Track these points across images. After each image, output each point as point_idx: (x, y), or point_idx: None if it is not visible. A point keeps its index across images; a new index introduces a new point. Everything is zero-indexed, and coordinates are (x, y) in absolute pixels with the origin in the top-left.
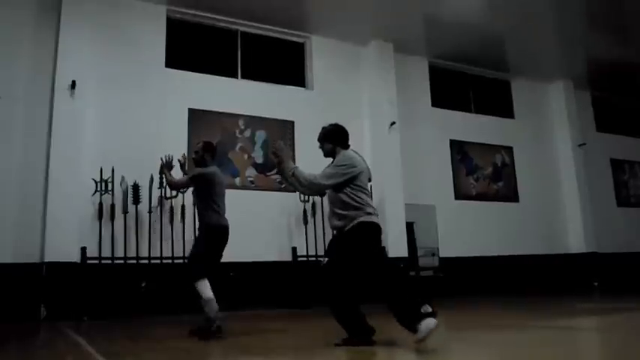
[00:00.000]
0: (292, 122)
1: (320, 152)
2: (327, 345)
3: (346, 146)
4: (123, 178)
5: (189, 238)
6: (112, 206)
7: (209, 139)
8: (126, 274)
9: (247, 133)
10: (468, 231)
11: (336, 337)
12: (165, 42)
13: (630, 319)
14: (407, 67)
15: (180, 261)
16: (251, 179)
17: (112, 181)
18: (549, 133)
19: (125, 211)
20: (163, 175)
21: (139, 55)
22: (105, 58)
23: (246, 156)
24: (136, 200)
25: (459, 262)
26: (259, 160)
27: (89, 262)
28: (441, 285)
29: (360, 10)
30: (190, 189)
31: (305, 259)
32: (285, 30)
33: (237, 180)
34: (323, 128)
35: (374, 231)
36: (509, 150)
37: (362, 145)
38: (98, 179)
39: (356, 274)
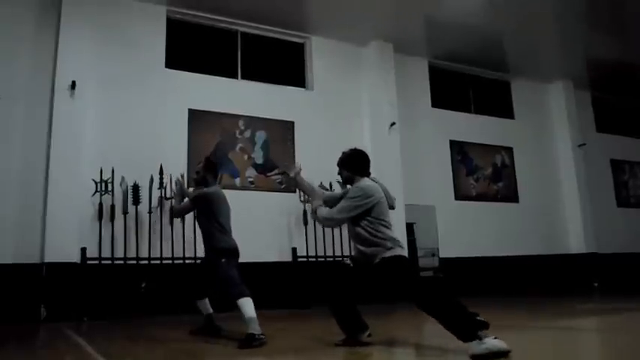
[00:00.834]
0: (292, 122)
1: (320, 152)
2: (328, 345)
3: (365, 174)
4: (123, 178)
5: (189, 238)
6: (112, 207)
7: (209, 139)
8: (126, 275)
9: (247, 134)
10: (468, 231)
11: (336, 337)
12: (165, 42)
13: (630, 320)
14: (407, 68)
15: (180, 261)
16: (251, 180)
17: (112, 182)
18: (549, 133)
19: (125, 212)
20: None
21: (139, 55)
22: (105, 59)
23: (246, 156)
24: (136, 201)
25: (459, 263)
26: (259, 160)
27: (89, 262)
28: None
29: (360, 11)
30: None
31: (305, 259)
32: (285, 30)
33: (237, 180)
34: (342, 153)
35: (400, 264)
36: (509, 150)
37: (362, 146)
38: (98, 180)
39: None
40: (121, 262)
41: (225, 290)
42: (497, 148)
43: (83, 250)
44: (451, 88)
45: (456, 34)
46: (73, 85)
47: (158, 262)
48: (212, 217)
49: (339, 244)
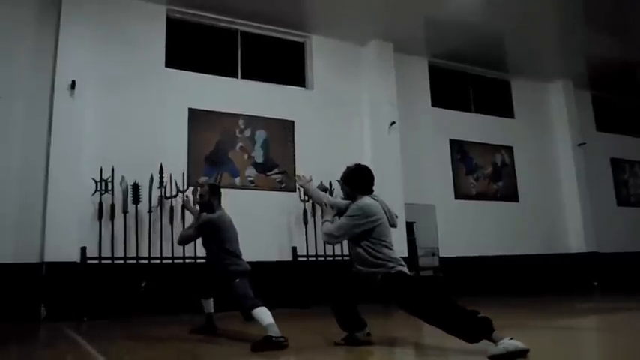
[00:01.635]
0: (292, 122)
1: (320, 151)
2: (328, 344)
3: (367, 191)
4: (123, 177)
5: None
6: (112, 206)
7: (209, 139)
8: (126, 274)
9: (247, 133)
10: (468, 231)
11: (336, 337)
12: (165, 42)
13: (630, 319)
14: (407, 67)
15: (180, 261)
16: (251, 179)
17: (112, 181)
18: (549, 132)
19: (125, 211)
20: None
21: (139, 54)
22: (105, 58)
23: (246, 156)
24: (136, 200)
25: (459, 262)
26: (259, 159)
27: (89, 262)
28: (441, 285)
29: (360, 10)
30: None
31: (305, 259)
32: (285, 30)
33: (237, 180)
34: (347, 168)
35: (401, 280)
36: (509, 150)
37: (362, 145)
38: (98, 179)
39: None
40: (121, 261)
41: (240, 305)
42: (497, 148)
43: (83, 249)
44: (451, 88)
45: (455, 33)
46: (73, 84)
47: (158, 261)
48: (220, 243)
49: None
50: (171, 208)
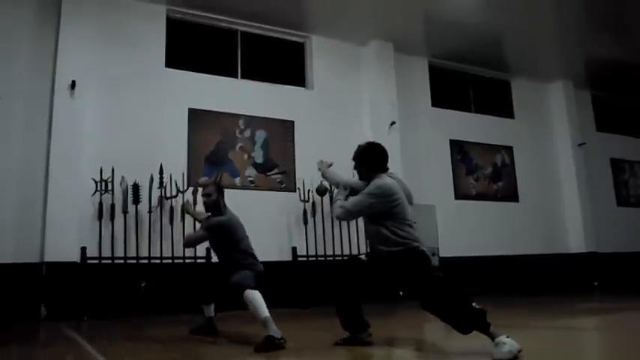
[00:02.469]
0: (292, 122)
1: (320, 151)
2: (328, 344)
3: (383, 169)
4: (123, 178)
5: None
6: (112, 206)
7: (209, 139)
8: (126, 274)
9: (247, 133)
10: (468, 231)
11: (336, 337)
12: (165, 42)
13: (630, 319)
14: (407, 67)
15: (180, 261)
16: (251, 179)
17: (112, 181)
18: (549, 132)
19: (125, 211)
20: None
21: (139, 55)
22: (105, 58)
23: (246, 156)
24: (136, 200)
25: (459, 262)
26: (259, 159)
27: (89, 262)
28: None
29: (360, 10)
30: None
31: (305, 259)
32: (285, 30)
33: (237, 180)
34: (358, 147)
35: (420, 257)
36: (509, 150)
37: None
38: (98, 179)
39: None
40: (121, 261)
41: (236, 285)
42: (497, 148)
43: (83, 249)
44: (451, 88)
45: (455, 33)
46: (73, 84)
47: (158, 261)
48: (235, 244)
49: (339, 243)
50: (171, 208)
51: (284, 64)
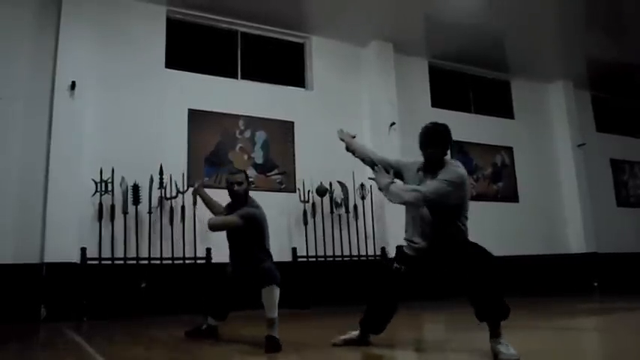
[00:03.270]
0: (292, 123)
1: (320, 152)
2: (328, 345)
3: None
4: (123, 178)
5: (189, 238)
6: (112, 207)
7: (209, 139)
8: (126, 275)
9: (247, 134)
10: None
11: (335, 337)
12: (165, 42)
13: (630, 319)
14: (407, 68)
15: (180, 261)
16: (251, 179)
17: (112, 182)
18: (549, 133)
19: (125, 212)
20: (198, 197)
21: (139, 55)
22: (105, 58)
23: (246, 156)
24: (136, 201)
25: None
26: (259, 160)
27: (89, 262)
28: None
29: (360, 11)
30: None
31: (305, 259)
32: (285, 30)
33: None
34: (430, 128)
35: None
36: (509, 150)
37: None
38: (98, 180)
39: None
40: (121, 262)
41: (267, 273)
42: (497, 148)
43: (83, 250)
44: (451, 88)
45: (455, 34)
46: (73, 85)
47: (158, 262)
48: (261, 241)
49: (339, 244)
50: (171, 209)
51: (284, 65)
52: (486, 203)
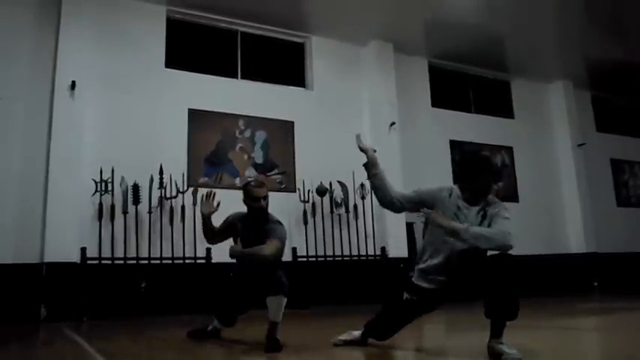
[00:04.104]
0: (292, 122)
1: (320, 152)
2: (328, 345)
3: None
4: (123, 178)
5: (189, 238)
6: (112, 206)
7: (209, 139)
8: (126, 274)
9: (247, 134)
10: None
11: (335, 337)
12: (165, 42)
13: (630, 319)
14: (407, 67)
15: (180, 261)
16: (251, 179)
17: (112, 182)
18: (549, 133)
19: (125, 212)
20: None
21: (139, 55)
22: (105, 58)
23: (246, 156)
24: (136, 200)
25: None
26: (259, 160)
27: (89, 262)
28: None
29: (360, 11)
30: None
31: (305, 259)
32: (285, 30)
33: (237, 180)
34: (475, 159)
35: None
36: (509, 150)
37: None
38: (98, 179)
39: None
40: (121, 261)
41: (278, 282)
42: (497, 148)
43: (83, 249)
44: (451, 88)
45: (456, 33)
46: (73, 85)
47: (158, 261)
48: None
49: (339, 243)
50: (171, 209)
51: (284, 65)
52: None
